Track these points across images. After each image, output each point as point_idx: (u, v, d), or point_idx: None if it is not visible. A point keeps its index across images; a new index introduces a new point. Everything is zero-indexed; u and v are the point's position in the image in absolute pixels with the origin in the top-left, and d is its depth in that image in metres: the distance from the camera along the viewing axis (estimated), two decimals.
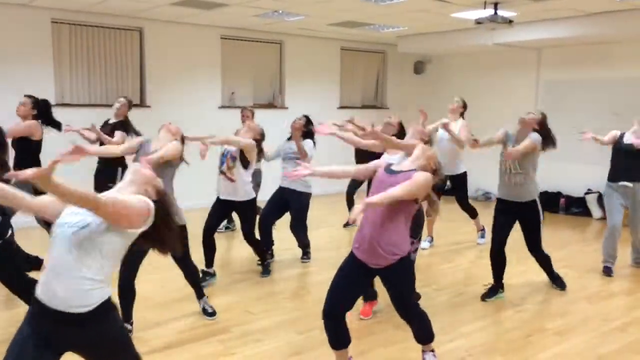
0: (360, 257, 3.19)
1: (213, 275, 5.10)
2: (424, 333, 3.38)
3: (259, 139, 5.12)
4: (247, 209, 5.12)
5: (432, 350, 3.44)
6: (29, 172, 1.89)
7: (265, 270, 5.39)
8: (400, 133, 4.56)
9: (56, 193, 1.98)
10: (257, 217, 5.49)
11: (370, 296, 4.38)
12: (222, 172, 5.01)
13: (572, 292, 5.00)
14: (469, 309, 4.58)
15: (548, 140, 4.68)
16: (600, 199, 8.30)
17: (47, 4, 7.17)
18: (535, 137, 4.58)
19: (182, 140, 4.13)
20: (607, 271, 5.48)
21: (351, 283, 3.24)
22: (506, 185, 4.68)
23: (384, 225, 3.09)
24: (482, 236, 6.64)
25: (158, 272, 4.76)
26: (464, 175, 6.39)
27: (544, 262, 5.00)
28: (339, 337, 3.23)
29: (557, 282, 5.06)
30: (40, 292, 2.20)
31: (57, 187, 1.94)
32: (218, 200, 5.12)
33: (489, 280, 4.87)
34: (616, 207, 5.43)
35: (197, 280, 4.35)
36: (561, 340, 3.96)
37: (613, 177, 5.48)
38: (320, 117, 10.89)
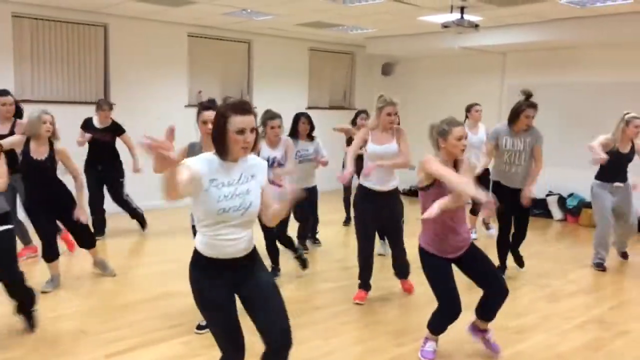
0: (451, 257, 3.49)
1: None
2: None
3: None
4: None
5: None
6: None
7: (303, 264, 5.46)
8: None
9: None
10: None
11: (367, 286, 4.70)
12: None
13: (533, 292, 5.11)
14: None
15: None
16: (560, 200, 8.51)
17: None
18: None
19: None
20: (601, 266, 5.75)
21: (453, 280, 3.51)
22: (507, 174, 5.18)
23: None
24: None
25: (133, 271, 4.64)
26: None
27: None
28: None
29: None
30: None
31: None
32: None
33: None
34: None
35: None
36: (521, 339, 4.02)
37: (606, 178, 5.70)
38: (288, 118, 10.83)
